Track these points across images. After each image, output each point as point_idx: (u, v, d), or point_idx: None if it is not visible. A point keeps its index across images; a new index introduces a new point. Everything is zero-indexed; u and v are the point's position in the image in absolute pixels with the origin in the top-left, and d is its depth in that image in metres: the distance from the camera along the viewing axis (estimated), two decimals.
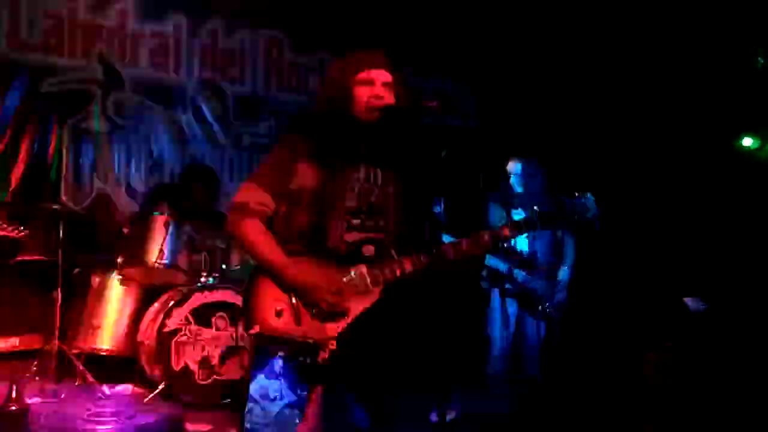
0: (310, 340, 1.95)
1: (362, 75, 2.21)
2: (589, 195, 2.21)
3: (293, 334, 2.01)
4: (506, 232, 2.17)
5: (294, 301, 2.08)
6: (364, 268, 2.12)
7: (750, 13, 5.20)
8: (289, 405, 1.66)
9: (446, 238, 3.39)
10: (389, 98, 2.20)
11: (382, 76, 2.22)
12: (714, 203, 5.33)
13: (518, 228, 2.20)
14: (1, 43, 5.03)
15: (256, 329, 2.03)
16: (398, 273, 2.12)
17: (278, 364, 1.68)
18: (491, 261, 4.30)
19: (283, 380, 1.67)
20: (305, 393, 1.87)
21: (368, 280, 2.11)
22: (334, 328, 2.07)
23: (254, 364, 1.76)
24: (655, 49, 5.61)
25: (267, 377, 1.67)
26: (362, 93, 2.20)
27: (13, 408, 3.29)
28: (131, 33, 5.52)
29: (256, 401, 1.69)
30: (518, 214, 4.31)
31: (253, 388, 1.70)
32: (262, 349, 1.84)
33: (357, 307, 2.10)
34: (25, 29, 5.12)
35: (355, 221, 2.20)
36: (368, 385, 2.17)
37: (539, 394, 4.12)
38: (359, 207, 2.22)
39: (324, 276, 2.10)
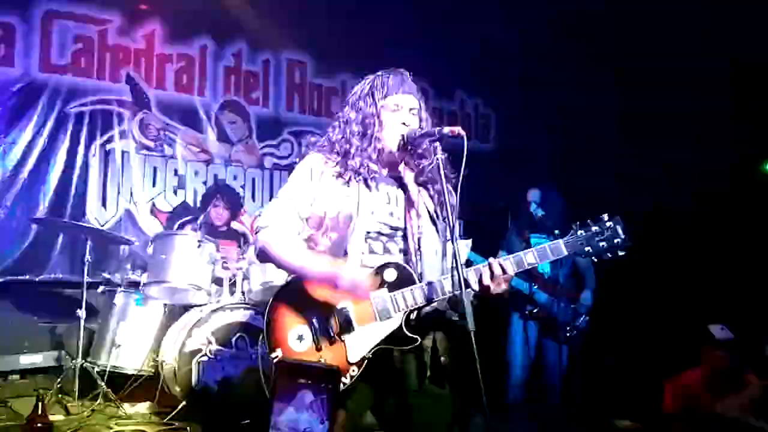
0: (333, 367, 1.93)
1: (390, 100, 2.21)
2: (618, 218, 2.13)
3: (315, 361, 2.00)
4: (530, 259, 2.09)
5: (315, 326, 2.08)
6: (386, 294, 2.08)
7: None
8: None
9: (472, 256, 3.36)
10: (414, 124, 2.20)
11: (409, 102, 2.22)
12: (738, 228, 5.27)
13: (543, 255, 2.10)
14: (33, 66, 5.19)
15: (278, 354, 2.04)
16: (421, 299, 2.06)
17: (308, 397, 1.66)
18: (514, 281, 4.27)
19: (312, 413, 1.65)
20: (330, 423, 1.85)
21: (390, 305, 2.07)
22: (354, 354, 2.05)
23: (280, 394, 1.75)
24: (679, 75, 5.59)
25: (297, 410, 1.65)
26: (390, 118, 2.20)
27: (39, 424, 3.33)
28: (158, 56, 5.66)
29: None
30: (538, 239, 4.29)
31: (282, 419, 1.68)
32: (286, 378, 1.81)
33: (379, 332, 2.07)
34: (56, 52, 5.28)
35: (376, 245, 2.17)
36: (389, 410, 2.14)
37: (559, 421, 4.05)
38: (380, 230, 2.18)
39: (349, 272, 2.02)
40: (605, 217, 2.14)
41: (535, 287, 4.33)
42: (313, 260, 2.10)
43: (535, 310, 4.37)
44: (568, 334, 4.26)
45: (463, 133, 2.05)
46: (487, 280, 2.06)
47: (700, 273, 5.33)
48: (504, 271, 2.07)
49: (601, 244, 2.12)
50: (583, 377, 4.22)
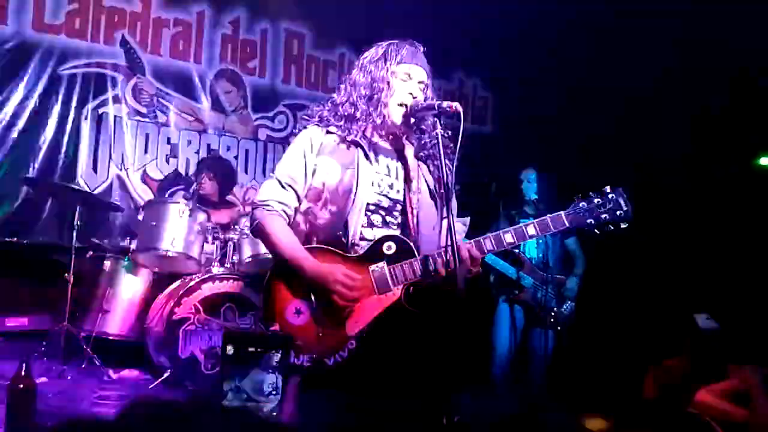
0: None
1: (402, 69, 2.19)
2: (620, 190, 2.10)
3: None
4: (531, 231, 2.10)
5: (313, 300, 2.06)
6: (385, 266, 2.08)
7: None
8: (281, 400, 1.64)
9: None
10: (420, 97, 2.18)
11: (419, 74, 2.21)
12: (731, 221, 5.29)
13: (544, 227, 2.10)
14: (25, 25, 5.08)
15: (276, 327, 2.03)
16: (420, 272, 2.06)
17: (274, 357, 1.66)
18: (500, 265, 4.28)
19: (278, 374, 1.65)
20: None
21: (389, 278, 2.07)
22: (353, 327, 2.04)
23: (231, 364, 1.73)
24: (675, 67, 5.57)
25: (261, 372, 1.65)
26: (398, 86, 2.18)
27: (22, 386, 3.31)
28: (154, 20, 5.56)
29: (247, 396, 1.66)
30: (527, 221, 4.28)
31: (246, 384, 1.67)
32: (234, 347, 1.81)
33: (378, 305, 2.06)
34: (50, 12, 5.16)
35: (375, 217, 2.17)
36: (379, 385, 2.13)
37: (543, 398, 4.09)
38: (379, 203, 2.18)
39: (342, 269, 2.05)
40: (607, 188, 2.10)
41: (521, 272, 4.34)
42: (306, 257, 2.08)
43: (519, 294, 4.38)
44: (553, 320, 4.28)
45: (460, 109, 2.04)
46: (476, 253, 2.06)
47: (690, 261, 5.36)
48: (497, 246, 2.07)
49: (603, 216, 2.08)
50: (569, 362, 4.24)
